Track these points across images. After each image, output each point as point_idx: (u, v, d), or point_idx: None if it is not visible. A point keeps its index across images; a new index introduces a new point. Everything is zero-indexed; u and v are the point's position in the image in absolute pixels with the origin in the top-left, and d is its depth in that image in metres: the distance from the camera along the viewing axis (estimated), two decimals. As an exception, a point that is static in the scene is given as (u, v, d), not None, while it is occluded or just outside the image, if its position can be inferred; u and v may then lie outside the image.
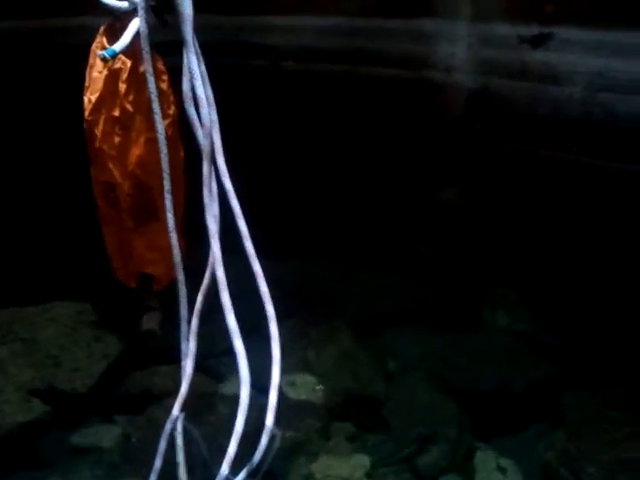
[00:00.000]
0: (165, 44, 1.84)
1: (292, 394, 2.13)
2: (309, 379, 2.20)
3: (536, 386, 2.14)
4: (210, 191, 1.78)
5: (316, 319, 2.48)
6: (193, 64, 1.76)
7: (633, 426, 1.92)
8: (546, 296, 2.53)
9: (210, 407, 2.00)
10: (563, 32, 2.57)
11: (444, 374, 2.21)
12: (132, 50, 1.77)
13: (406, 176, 3.02)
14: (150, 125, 1.80)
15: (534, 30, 2.64)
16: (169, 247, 1.83)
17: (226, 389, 2.12)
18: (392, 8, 2.98)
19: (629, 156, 2.44)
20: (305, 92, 3.26)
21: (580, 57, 2.55)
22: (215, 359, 2.19)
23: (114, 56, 1.72)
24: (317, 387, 2.16)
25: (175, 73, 1.87)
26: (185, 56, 1.77)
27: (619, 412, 2.02)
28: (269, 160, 3.18)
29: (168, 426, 1.77)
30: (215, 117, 1.80)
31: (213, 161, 1.79)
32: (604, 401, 2.10)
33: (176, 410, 1.79)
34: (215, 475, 1.58)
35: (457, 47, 2.87)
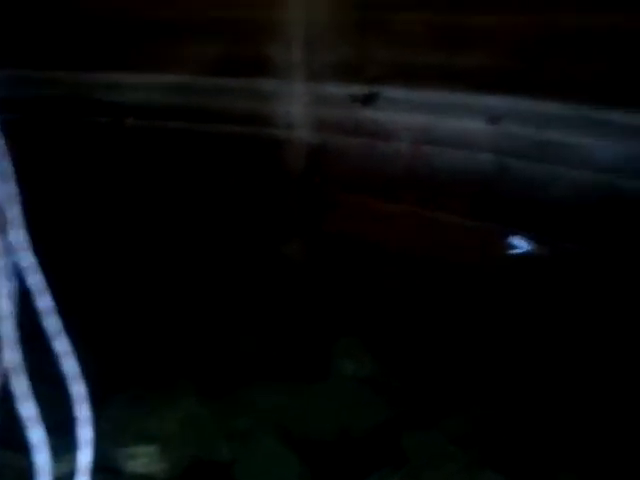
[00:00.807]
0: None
1: (131, 468, 2.01)
2: (150, 449, 2.09)
3: (378, 430, 2.19)
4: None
5: (158, 384, 2.38)
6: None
7: (468, 457, 2.02)
8: (388, 340, 2.62)
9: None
10: (390, 92, 2.77)
11: (290, 427, 2.20)
12: None
13: (252, 232, 3.06)
14: None
15: (364, 90, 2.82)
16: None
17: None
18: (233, 68, 3.07)
19: (446, 205, 2.65)
20: (149, 150, 3.24)
21: (404, 114, 2.76)
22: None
23: None
24: (158, 457, 2.06)
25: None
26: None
27: (457, 446, 2.11)
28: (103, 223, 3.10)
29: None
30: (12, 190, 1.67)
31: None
32: (444, 436, 2.18)
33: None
34: None
35: (295, 106, 2.99)
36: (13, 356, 1.56)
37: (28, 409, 1.53)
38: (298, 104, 2.98)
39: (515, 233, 2.53)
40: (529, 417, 2.20)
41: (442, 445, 2.14)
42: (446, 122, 2.65)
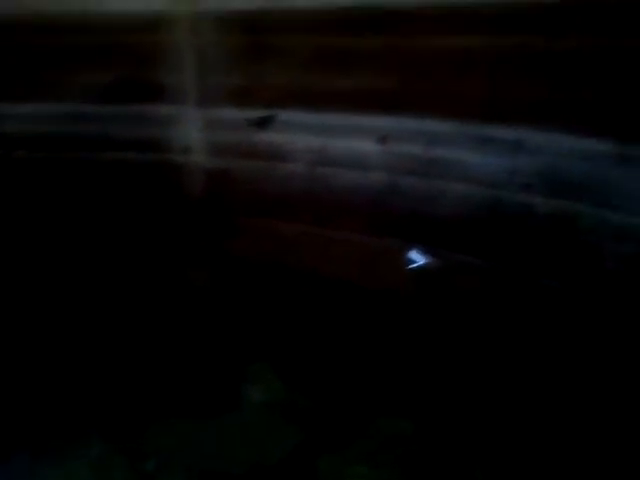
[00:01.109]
0: None
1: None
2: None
3: (292, 456, 2.21)
4: None
5: (61, 432, 2.30)
6: None
7: (384, 476, 2.09)
8: (297, 363, 2.65)
9: None
10: (285, 114, 2.79)
11: (200, 464, 2.18)
12: None
13: (155, 260, 3.01)
14: None
15: (259, 113, 2.83)
16: None
17: None
18: (125, 95, 3.00)
19: (343, 224, 2.71)
20: (44, 181, 3.12)
21: (299, 136, 2.79)
22: None
23: None
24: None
25: None
26: None
27: (371, 467, 2.17)
28: None
29: None
30: None
31: None
32: (358, 458, 2.23)
33: None
34: None
35: (190, 130, 2.96)
36: None
37: None
38: (193, 129, 2.95)
39: (411, 248, 2.62)
40: (440, 434, 2.28)
41: (357, 466, 2.18)
42: (339, 143, 2.71)
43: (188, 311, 2.87)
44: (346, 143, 2.70)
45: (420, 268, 2.59)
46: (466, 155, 2.45)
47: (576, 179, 2.20)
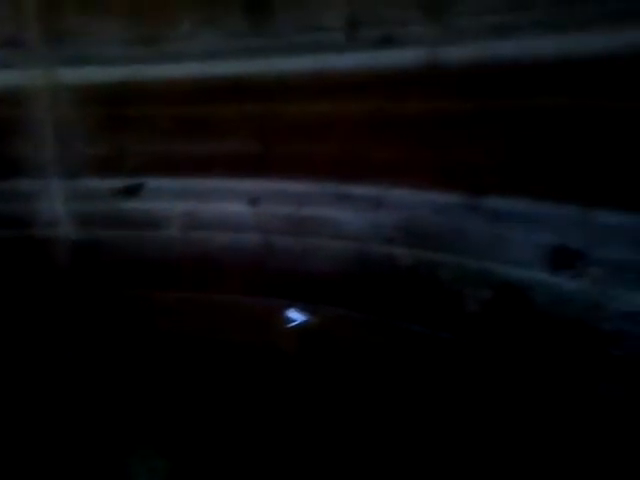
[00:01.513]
0: None
1: None
2: None
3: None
4: None
5: None
6: None
7: None
8: (182, 440, 2.57)
9: None
10: (151, 182, 2.77)
11: None
12: None
13: (24, 338, 2.84)
14: None
15: (125, 182, 2.79)
16: None
17: None
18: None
19: (222, 287, 2.71)
20: None
21: (171, 202, 2.77)
22: None
23: None
24: None
25: None
26: None
27: None
28: None
29: None
30: None
31: None
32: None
33: None
34: None
35: (55, 203, 2.86)
36: None
37: None
38: (58, 202, 2.85)
39: (290, 306, 2.65)
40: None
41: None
42: (211, 207, 2.72)
43: (63, 391, 2.71)
44: (218, 206, 2.71)
45: (300, 325, 2.62)
46: (333, 213, 2.54)
47: (433, 231, 2.33)
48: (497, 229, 2.15)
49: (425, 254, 2.38)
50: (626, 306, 1.96)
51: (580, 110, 1.80)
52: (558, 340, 2.12)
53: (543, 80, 1.87)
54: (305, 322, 2.64)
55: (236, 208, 2.69)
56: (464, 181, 2.17)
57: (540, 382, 2.09)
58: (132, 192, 2.79)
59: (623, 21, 1.63)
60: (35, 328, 2.89)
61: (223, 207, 2.71)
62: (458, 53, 1.97)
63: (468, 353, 2.33)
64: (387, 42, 2.09)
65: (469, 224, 2.24)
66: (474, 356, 2.31)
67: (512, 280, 2.20)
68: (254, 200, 2.65)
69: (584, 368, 2.01)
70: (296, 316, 2.64)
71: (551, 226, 2.01)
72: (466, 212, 2.23)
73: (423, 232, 2.36)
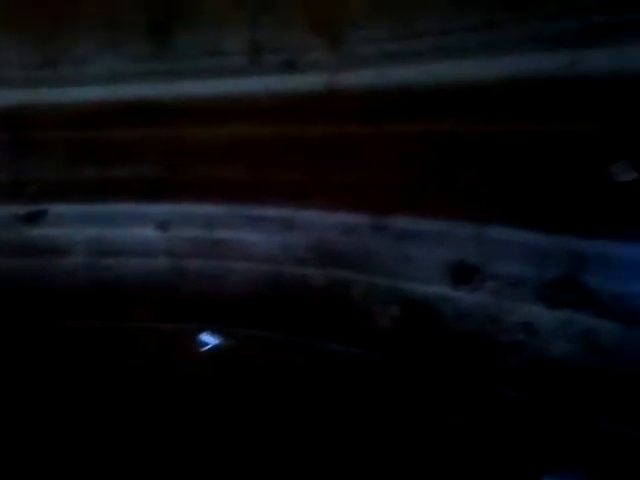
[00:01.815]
0: None
1: None
2: None
3: None
4: None
5: None
6: None
7: None
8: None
9: None
10: (54, 208, 2.67)
11: None
12: None
13: None
14: None
15: (28, 208, 2.68)
16: None
17: None
18: None
19: (133, 313, 2.64)
20: None
21: (76, 229, 2.68)
22: None
23: None
24: None
25: None
26: None
27: None
28: None
29: None
30: None
31: None
32: None
33: None
34: None
35: (-51, 232, 2.71)
36: None
37: None
38: (-47, 231, 2.70)
39: (202, 330, 2.62)
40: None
41: None
42: (118, 232, 2.66)
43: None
44: (126, 232, 2.66)
45: (213, 348, 2.59)
46: (244, 235, 2.55)
47: (343, 250, 2.39)
48: (402, 248, 2.23)
49: (337, 274, 2.43)
50: (521, 318, 2.07)
51: (470, 133, 1.91)
52: (461, 352, 2.21)
53: (435, 104, 1.97)
54: (218, 345, 2.61)
55: (145, 233, 2.64)
56: (369, 202, 2.24)
57: (445, 391, 2.16)
58: (35, 219, 2.69)
59: (503, 50, 1.75)
60: None
61: (131, 232, 2.66)
62: (357, 78, 2.04)
63: (380, 368, 2.38)
64: (289, 67, 2.14)
65: (376, 243, 2.30)
66: (386, 370, 2.36)
67: (418, 296, 2.27)
68: (163, 224, 2.62)
69: (485, 377, 2.10)
70: (209, 339, 2.61)
71: (450, 243, 2.10)
72: (373, 232, 2.29)
73: (334, 252, 2.40)
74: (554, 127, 1.75)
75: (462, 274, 2.14)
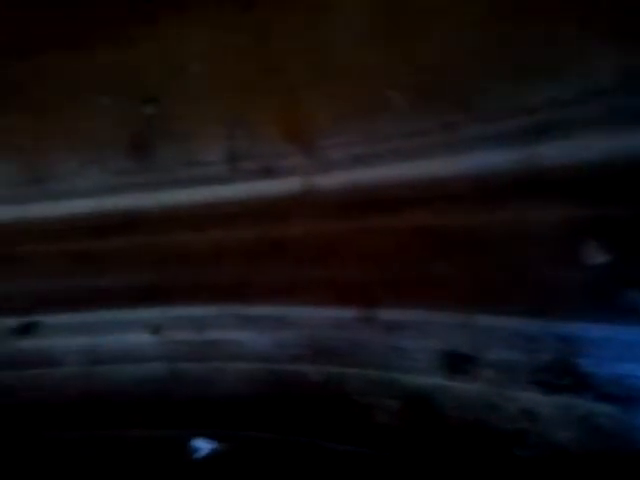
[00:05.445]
0: None
1: None
2: None
3: None
4: None
5: None
6: None
7: None
8: None
9: None
10: (46, 319, 2.68)
11: None
12: None
13: None
14: None
15: (19, 320, 2.69)
16: None
17: None
18: None
19: (126, 421, 2.59)
20: None
21: (69, 338, 2.68)
22: None
23: None
24: None
25: None
26: None
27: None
28: None
29: None
30: None
31: None
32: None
33: None
34: None
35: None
36: None
37: None
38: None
39: (196, 435, 2.56)
40: None
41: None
42: (110, 339, 2.66)
43: None
44: (118, 338, 2.66)
45: (207, 453, 2.52)
46: (236, 335, 2.54)
47: (336, 345, 2.37)
48: (392, 339, 2.21)
49: (333, 369, 2.40)
50: (521, 405, 2.02)
51: (441, 225, 1.96)
52: (465, 444, 2.15)
53: (403, 200, 2.04)
54: (213, 450, 2.55)
55: (137, 338, 2.63)
56: (356, 296, 2.24)
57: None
58: (27, 330, 2.70)
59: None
60: None
61: (123, 338, 2.65)
62: (331, 180, 2.11)
63: (380, 465, 2.31)
64: (267, 173, 2.22)
65: (366, 336, 2.29)
66: (386, 467, 2.29)
67: (415, 388, 2.23)
68: (155, 328, 2.61)
69: (489, 470, 2.03)
70: (202, 445, 2.54)
71: (439, 332, 2.09)
72: (362, 325, 2.29)
73: (326, 348, 2.39)
74: (516, 216, 1.80)
75: (456, 363, 2.11)
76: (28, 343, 2.70)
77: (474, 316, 1.98)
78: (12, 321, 2.70)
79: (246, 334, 2.52)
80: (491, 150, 1.79)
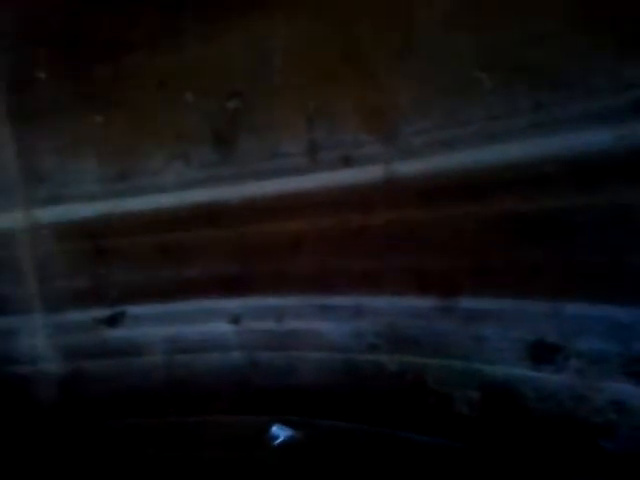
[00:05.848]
0: None
1: None
2: None
3: None
4: None
5: None
6: None
7: None
8: None
9: None
10: (133, 309, 2.79)
11: None
12: None
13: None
14: None
15: (107, 311, 2.81)
16: None
17: None
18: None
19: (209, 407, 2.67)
20: None
21: (153, 328, 2.79)
22: None
23: None
24: None
25: None
26: None
27: None
28: None
29: None
30: None
31: None
32: None
33: None
34: None
35: (37, 339, 2.86)
36: None
37: None
38: (40, 337, 2.86)
39: (275, 422, 2.60)
40: None
41: None
42: (193, 329, 2.74)
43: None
44: (200, 328, 2.73)
45: (286, 440, 2.56)
46: (315, 324, 2.56)
47: (414, 335, 2.36)
48: (473, 329, 2.18)
49: (410, 359, 2.39)
50: (610, 396, 1.96)
51: (529, 210, 1.91)
52: (549, 436, 2.10)
53: (488, 185, 2.00)
54: (291, 437, 2.59)
55: (218, 328, 2.71)
56: (436, 285, 2.22)
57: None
58: (114, 321, 2.81)
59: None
60: (20, 469, 2.79)
61: (205, 328, 2.73)
62: (411, 167, 2.10)
63: (462, 457, 2.28)
64: (346, 162, 2.23)
65: (447, 326, 2.27)
66: (468, 460, 2.26)
67: (497, 379, 2.20)
68: (236, 318, 2.68)
69: (576, 464, 1.98)
70: (281, 432, 2.59)
71: (525, 322, 2.05)
72: (442, 315, 2.27)
73: (405, 337, 2.38)
74: (614, 198, 1.74)
75: (542, 353, 2.06)
76: (115, 334, 2.82)
77: (563, 304, 1.92)
78: (100, 312, 2.82)
79: (325, 324, 2.55)
80: (586, 130, 1.73)
